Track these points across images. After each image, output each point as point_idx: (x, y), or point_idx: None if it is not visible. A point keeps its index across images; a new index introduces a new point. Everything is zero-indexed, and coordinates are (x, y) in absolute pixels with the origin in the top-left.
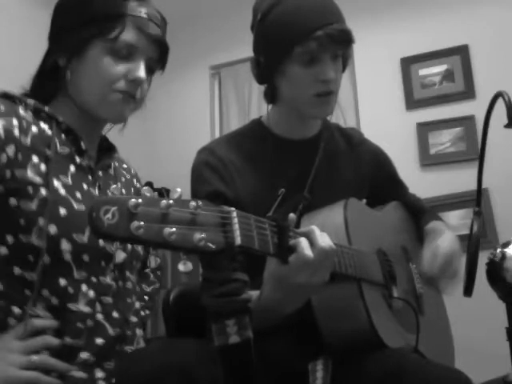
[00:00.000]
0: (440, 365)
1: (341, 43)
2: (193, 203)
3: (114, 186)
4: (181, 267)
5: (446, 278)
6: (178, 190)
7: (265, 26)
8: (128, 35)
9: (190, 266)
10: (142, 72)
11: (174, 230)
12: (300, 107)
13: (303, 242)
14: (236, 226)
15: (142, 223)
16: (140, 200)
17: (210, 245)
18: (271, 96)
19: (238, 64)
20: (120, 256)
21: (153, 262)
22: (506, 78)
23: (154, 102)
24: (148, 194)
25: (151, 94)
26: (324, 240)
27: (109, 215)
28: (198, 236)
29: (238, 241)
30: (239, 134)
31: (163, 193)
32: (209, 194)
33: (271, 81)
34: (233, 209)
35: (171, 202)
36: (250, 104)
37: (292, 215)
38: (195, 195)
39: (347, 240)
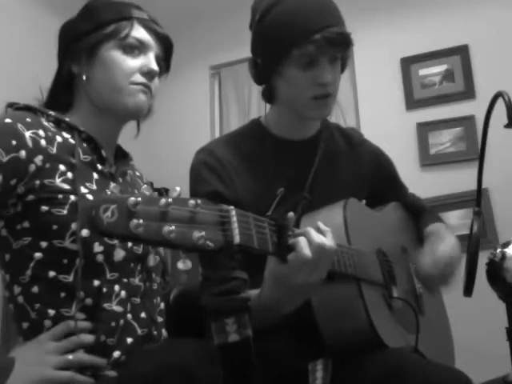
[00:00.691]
0: (440, 365)
1: (339, 46)
2: (192, 202)
3: (113, 184)
4: (180, 265)
5: (441, 284)
6: (178, 188)
7: (263, 27)
8: (137, 32)
9: (189, 264)
10: (154, 64)
11: (173, 228)
12: (298, 109)
13: (302, 242)
14: (235, 225)
15: (141, 221)
16: (139, 198)
17: (209, 243)
18: (269, 96)
19: (238, 64)
20: (119, 254)
21: (152, 260)
22: (506, 77)
23: (153, 102)
24: (147, 193)
25: None
26: (320, 238)
27: (108, 213)
28: (197, 234)
29: (237, 239)
30: (238, 135)
31: (163, 192)
32: (207, 194)
33: (269, 81)
34: (232, 207)
35: (170, 200)
36: (250, 104)
37: (291, 214)
38: (194, 195)
39: (346, 240)
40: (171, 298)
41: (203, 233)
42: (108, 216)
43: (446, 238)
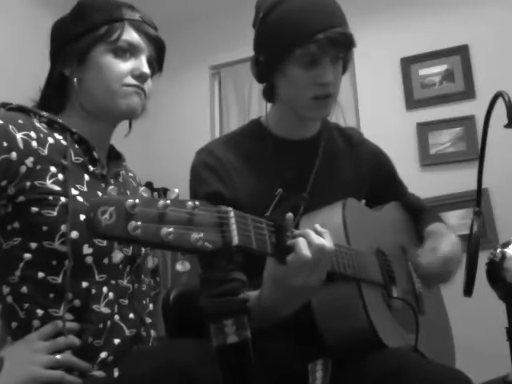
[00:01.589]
0: (440, 365)
1: (341, 46)
2: (190, 203)
3: (112, 186)
4: (178, 267)
5: (441, 281)
6: (176, 190)
7: (266, 25)
8: (127, 35)
9: (187, 265)
10: (146, 67)
11: (171, 230)
12: (298, 109)
13: (301, 243)
14: (233, 226)
15: (140, 223)
16: (137, 200)
17: (208, 245)
18: (270, 95)
19: (238, 64)
20: (117, 256)
21: (150, 262)
22: (506, 77)
23: (153, 102)
24: (145, 195)
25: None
26: (320, 239)
27: (106, 215)
28: (196, 236)
29: (236, 241)
30: (238, 134)
31: (160, 193)
32: (207, 194)
33: (270, 80)
34: (230, 209)
35: (168, 202)
36: (250, 104)
37: (290, 215)
38: (194, 196)
39: (346, 240)
40: (171, 298)
41: (201, 234)
42: (106, 218)
43: (446, 236)
